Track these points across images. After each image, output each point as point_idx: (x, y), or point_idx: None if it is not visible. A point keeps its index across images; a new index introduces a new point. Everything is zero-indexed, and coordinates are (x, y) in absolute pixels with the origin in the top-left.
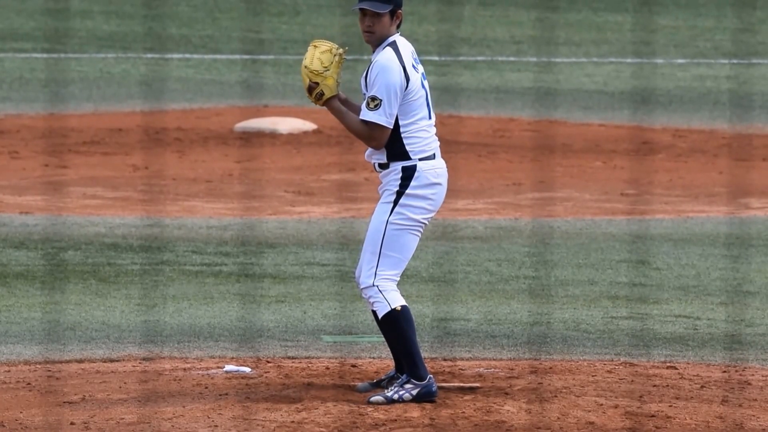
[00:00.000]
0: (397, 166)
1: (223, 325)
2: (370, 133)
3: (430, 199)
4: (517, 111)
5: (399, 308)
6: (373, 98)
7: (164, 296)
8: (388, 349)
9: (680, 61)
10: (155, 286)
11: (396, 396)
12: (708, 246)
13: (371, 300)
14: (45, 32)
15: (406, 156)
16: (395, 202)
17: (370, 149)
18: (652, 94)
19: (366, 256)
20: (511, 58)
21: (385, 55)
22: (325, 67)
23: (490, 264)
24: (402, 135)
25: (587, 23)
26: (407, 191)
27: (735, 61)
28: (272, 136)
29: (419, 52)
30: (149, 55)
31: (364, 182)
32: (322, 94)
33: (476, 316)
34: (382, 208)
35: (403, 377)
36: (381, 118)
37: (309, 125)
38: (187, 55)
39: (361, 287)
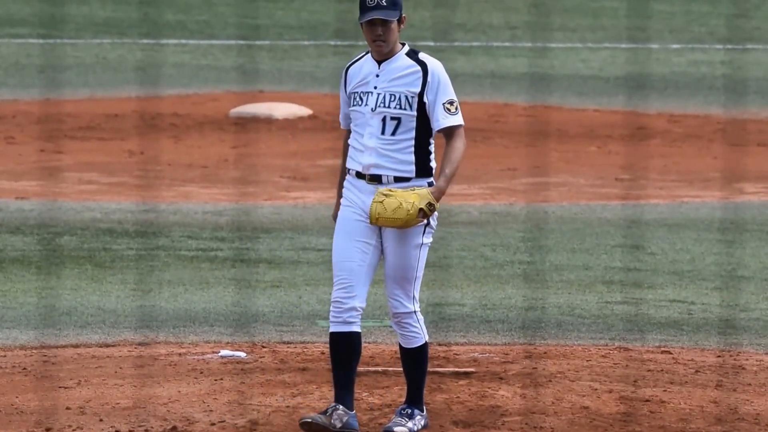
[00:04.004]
0: (423, 182)
1: (219, 310)
2: (462, 140)
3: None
4: (512, 96)
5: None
6: (452, 101)
7: (160, 281)
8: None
9: (675, 46)
10: (151, 272)
11: (416, 428)
12: (702, 231)
13: (410, 328)
14: (41, 18)
15: (430, 172)
16: (427, 223)
17: (378, 158)
18: (647, 79)
19: (400, 283)
20: (507, 44)
21: (432, 57)
22: (420, 197)
23: (485, 249)
24: (430, 148)
25: (582, 8)
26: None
27: (730, 46)
28: (268, 121)
29: (415, 38)
30: (145, 41)
31: None
32: (432, 204)
33: (471, 301)
34: (413, 230)
35: (410, 408)
36: (462, 118)
37: (304, 110)
38: (183, 41)
39: (403, 312)
